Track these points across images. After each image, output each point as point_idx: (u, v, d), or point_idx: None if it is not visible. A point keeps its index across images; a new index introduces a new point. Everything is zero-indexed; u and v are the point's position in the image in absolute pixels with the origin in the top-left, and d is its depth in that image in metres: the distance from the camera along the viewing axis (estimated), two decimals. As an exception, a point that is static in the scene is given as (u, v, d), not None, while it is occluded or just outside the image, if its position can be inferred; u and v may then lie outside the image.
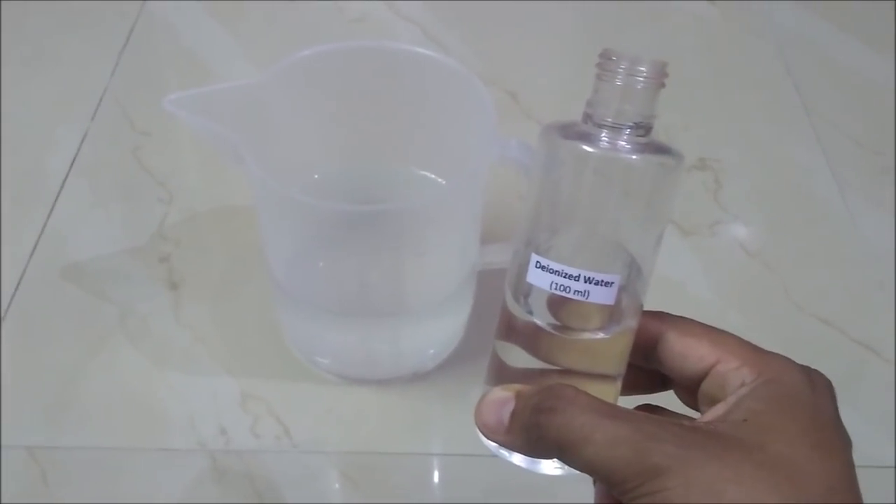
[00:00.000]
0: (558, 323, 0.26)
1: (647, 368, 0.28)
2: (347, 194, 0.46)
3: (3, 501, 0.41)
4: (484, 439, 0.26)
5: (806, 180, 0.58)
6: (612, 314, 0.26)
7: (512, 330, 0.27)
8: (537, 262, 0.26)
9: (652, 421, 0.23)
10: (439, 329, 0.45)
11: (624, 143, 0.25)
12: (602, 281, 0.25)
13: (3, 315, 0.48)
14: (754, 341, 0.50)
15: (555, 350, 0.26)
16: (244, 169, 0.39)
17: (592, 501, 0.28)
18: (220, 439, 0.43)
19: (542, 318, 0.26)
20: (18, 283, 0.50)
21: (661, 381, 0.28)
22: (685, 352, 0.26)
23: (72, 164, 0.56)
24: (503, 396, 0.25)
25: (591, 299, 0.25)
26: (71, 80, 0.62)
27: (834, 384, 0.26)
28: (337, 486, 0.43)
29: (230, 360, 0.47)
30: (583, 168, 0.26)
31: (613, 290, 0.25)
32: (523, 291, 0.27)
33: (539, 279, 0.26)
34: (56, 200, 0.54)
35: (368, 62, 0.43)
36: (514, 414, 0.25)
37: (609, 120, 0.25)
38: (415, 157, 0.47)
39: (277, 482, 0.42)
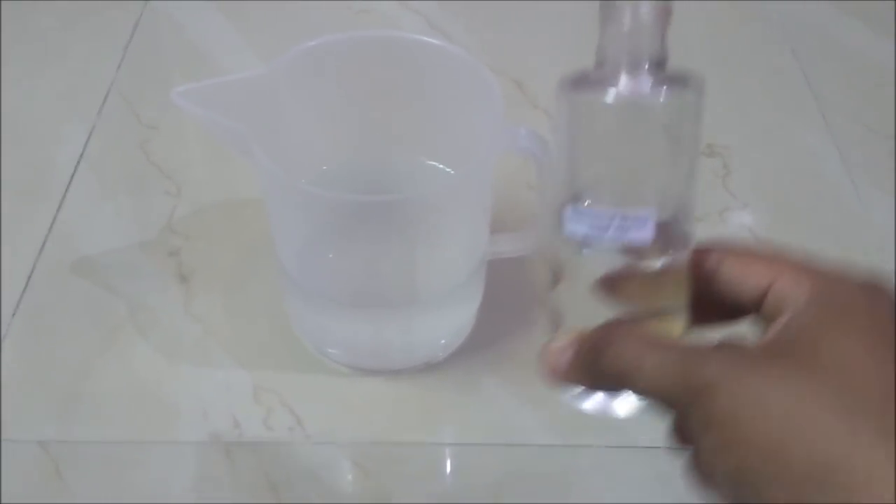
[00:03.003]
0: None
1: (715, 302, 0.28)
2: (356, 185, 0.46)
3: (17, 496, 0.41)
4: (558, 389, 0.28)
5: (815, 166, 0.58)
6: (658, 249, 0.26)
7: (564, 276, 0.28)
8: (573, 211, 0.27)
9: (700, 346, 0.25)
10: (450, 319, 0.45)
11: (643, 81, 0.25)
12: (637, 219, 0.26)
13: (14, 310, 0.48)
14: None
15: (608, 291, 0.28)
16: (253, 161, 0.39)
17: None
18: (233, 432, 0.43)
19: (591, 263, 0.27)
20: (29, 278, 0.50)
21: (730, 313, 0.28)
22: (743, 277, 0.27)
23: (79, 159, 0.56)
24: (564, 342, 0.27)
25: (629, 238, 0.26)
26: (76, 76, 0.62)
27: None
28: (350, 476, 0.43)
29: (242, 353, 0.47)
30: (607, 115, 0.26)
31: (650, 227, 0.26)
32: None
33: (577, 227, 0.27)
34: (65, 195, 0.54)
35: (376, 52, 0.43)
36: (574, 356, 0.27)
37: (624, 61, 0.25)
38: (423, 147, 0.46)
39: (291, 473, 0.42)
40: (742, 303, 0.27)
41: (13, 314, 0.48)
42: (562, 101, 0.27)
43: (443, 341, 0.46)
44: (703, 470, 0.25)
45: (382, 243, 0.41)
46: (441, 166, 0.47)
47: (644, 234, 0.26)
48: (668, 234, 0.26)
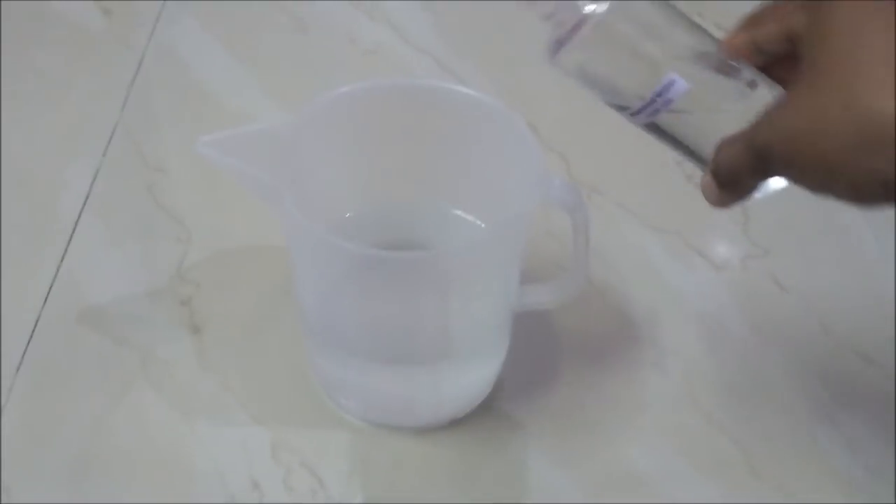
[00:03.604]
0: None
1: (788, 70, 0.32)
2: (381, 233, 0.45)
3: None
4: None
5: (831, 210, 0.57)
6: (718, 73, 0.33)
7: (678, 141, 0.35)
8: (629, 116, 0.34)
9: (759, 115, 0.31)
10: (477, 374, 0.44)
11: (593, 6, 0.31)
12: (666, 84, 0.31)
13: (18, 364, 0.46)
14: (794, 378, 0.49)
15: (708, 125, 0.33)
16: (276, 209, 0.38)
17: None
18: (252, 494, 0.42)
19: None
20: (33, 330, 0.47)
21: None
22: (770, 37, 0.31)
23: (84, 203, 0.54)
24: (705, 180, 0.33)
25: (674, 97, 0.32)
26: (79, 115, 0.60)
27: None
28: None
29: (259, 408, 0.45)
30: (591, 49, 0.32)
31: (678, 80, 0.31)
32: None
33: (644, 120, 0.33)
34: (70, 242, 0.52)
35: (405, 100, 0.42)
36: (713, 185, 0.33)
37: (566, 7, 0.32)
38: (450, 196, 0.45)
39: (314, 538, 0.40)
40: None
41: (17, 369, 0.46)
42: (559, 68, 0.34)
43: (467, 398, 0.44)
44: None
45: (413, 298, 0.39)
46: (469, 217, 0.45)
47: (679, 86, 0.31)
48: (702, 64, 0.32)
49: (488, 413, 0.45)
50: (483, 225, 0.46)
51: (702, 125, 0.34)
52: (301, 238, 0.38)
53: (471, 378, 0.44)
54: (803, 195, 0.58)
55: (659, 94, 0.32)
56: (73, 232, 0.53)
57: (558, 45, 0.32)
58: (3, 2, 0.68)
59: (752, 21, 0.32)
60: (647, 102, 0.32)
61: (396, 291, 0.38)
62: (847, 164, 0.27)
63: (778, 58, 0.33)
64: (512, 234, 0.38)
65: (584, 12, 0.31)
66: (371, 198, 0.46)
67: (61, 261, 0.51)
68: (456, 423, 0.44)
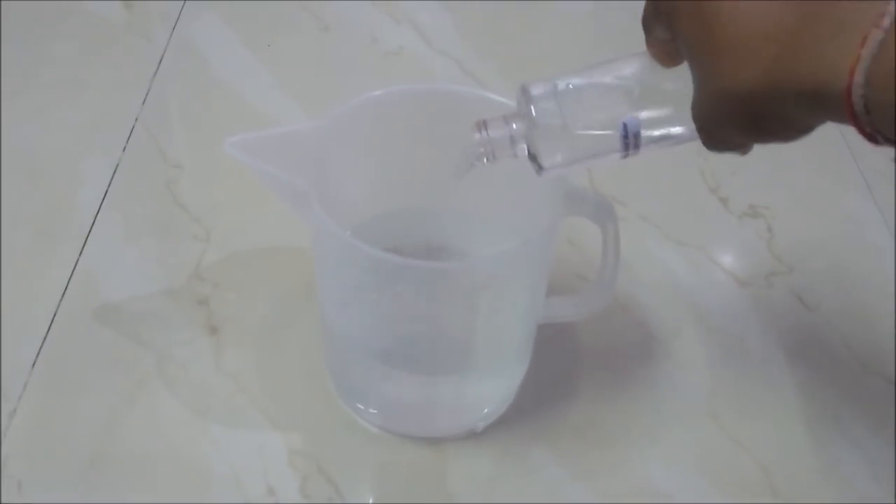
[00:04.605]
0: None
1: None
2: (405, 237, 0.44)
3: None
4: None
5: (859, 229, 0.57)
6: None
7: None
8: (629, 156, 0.34)
9: None
10: (499, 385, 0.43)
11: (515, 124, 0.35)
12: (624, 129, 0.33)
13: (33, 361, 0.45)
14: (816, 398, 0.49)
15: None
16: (301, 210, 0.37)
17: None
18: (268, 499, 0.41)
19: None
20: (49, 327, 0.47)
21: None
22: (662, 31, 0.32)
23: (103, 199, 0.54)
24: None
25: (639, 129, 0.33)
26: (99, 110, 0.60)
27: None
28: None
29: (276, 413, 0.44)
30: (557, 138, 0.34)
31: (631, 119, 0.33)
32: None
33: (636, 152, 0.34)
34: (87, 237, 0.51)
35: (435, 105, 0.41)
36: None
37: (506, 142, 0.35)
38: (475, 203, 0.44)
39: (330, 547, 0.40)
40: None
41: (32, 365, 0.45)
42: (553, 175, 0.35)
43: (486, 409, 0.44)
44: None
45: (440, 307, 0.39)
46: (494, 225, 0.45)
47: (632, 122, 0.33)
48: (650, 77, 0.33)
49: (508, 425, 0.44)
50: (508, 233, 0.45)
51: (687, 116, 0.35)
52: (327, 241, 0.38)
53: (492, 389, 0.43)
54: (830, 213, 0.58)
55: (626, 137, 0.33)
56: (91, 228, 0.52)
57: (535, 159, 0.35)
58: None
59: (647, 27, 0.33)
60: (625, 148, 0.34)
61: (423, 300, 0.38)
62: (755, 125, 0.29)
63: None
64: (543, 245, 0.38)
65: (530, 117, 0.34)
66: (395, 202, 0.45)
67: (79, 257, 0.50)
68: (475, 434, 0.44)
